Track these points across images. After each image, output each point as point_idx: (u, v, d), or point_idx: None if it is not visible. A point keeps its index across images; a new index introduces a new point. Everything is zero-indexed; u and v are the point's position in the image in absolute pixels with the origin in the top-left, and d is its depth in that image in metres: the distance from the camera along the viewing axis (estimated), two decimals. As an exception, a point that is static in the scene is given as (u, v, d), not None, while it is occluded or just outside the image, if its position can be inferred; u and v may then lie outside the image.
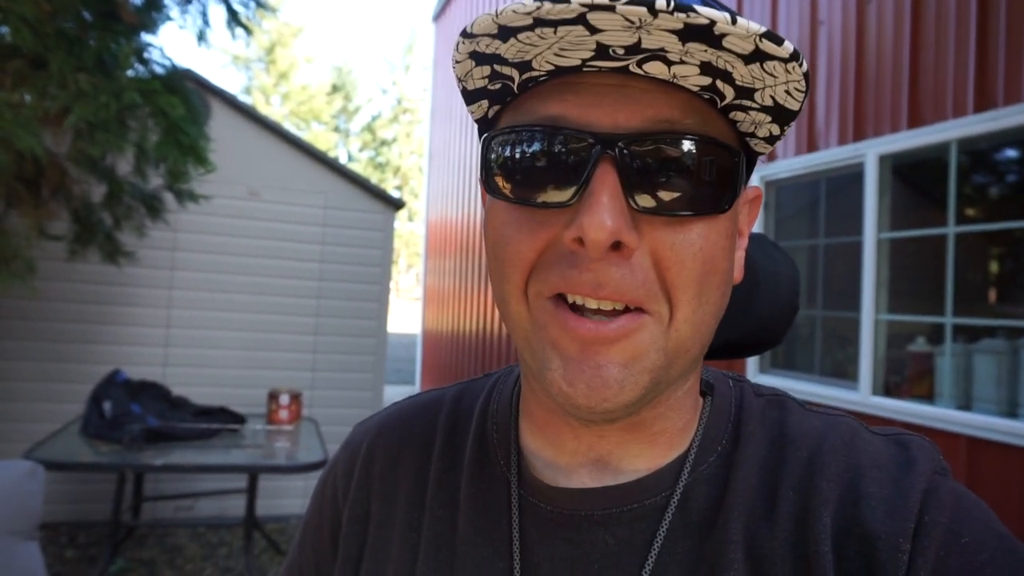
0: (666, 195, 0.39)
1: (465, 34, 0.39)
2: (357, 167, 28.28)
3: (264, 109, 24.93)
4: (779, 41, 0.35)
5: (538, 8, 0.35)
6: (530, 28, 0.37)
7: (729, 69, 0.38)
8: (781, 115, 0.41)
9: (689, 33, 0.35)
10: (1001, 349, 2.70)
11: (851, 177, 3.26)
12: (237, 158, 4.25)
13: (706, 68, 0.38)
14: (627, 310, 0.40)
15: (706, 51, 0.36)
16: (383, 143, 29.34)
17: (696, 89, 0.39)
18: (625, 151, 0.38)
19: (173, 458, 2.81)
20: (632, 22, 0.35)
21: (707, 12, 0.34)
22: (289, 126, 25.50)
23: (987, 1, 2.70)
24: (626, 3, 0.34)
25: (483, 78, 0.43)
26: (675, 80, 0.39)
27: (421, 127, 27.55)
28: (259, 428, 3.43)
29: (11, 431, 3.87)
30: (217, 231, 4.28)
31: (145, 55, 2.94)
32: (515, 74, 0.41)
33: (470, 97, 0.45)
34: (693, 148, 0.39)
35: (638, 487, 0.47)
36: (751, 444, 0.47)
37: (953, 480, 0.44)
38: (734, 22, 0.34)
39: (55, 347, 3.97)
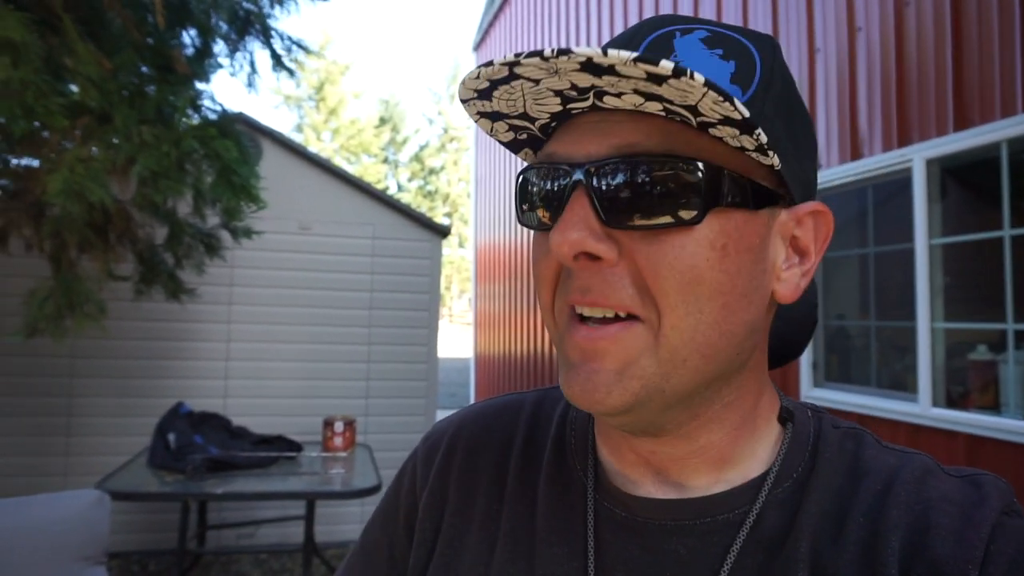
0: (634, 211, 0.42)
1: (461, 101, 0.46)
2: (407, 197, 28.84)
3: (315, 145, 25.77)
4: (654, 62, 0.37)
5: (479, 74, 0.42)
6: (492, 89, 0.43)
7: (653, 91, 0.40)
8: (741, 126, 0.41)
9: (590, 68, 0.39)
10: (1069, 354, 2.58)
11: (899, 183, 3.19)
12: (288, 194, 4.42)
13: (645, 95, 0.40)
14: (618, 318, 0.43)
15: (619, 80, 0.39)
16: (431, 172, 29.88)
17: (663, 114, 0.42)
18: (592, 175, 0.43)
19: (234, 486, 2.91)
20: (546, 68, 0.40)
21: (581, 50, 0.37)
22: (340, 161, 26.26)
23: (1031, -4, 2.62)
24: (525, 56, 0.39)
25: (507, 131, 0.49)
26: (641, 108, 0.42)
27: (468, 154, 27.98)
28: (315, 455, 3.52)
29: (87, 464, 4.07)
30: (271, 265, 4.45)
31: (198, 103, 3.12)
32: (528, 125, 0.47)
33: (513, 148, 0.51)
34: (651, 167, 0.42)
35: (711, 502, 0.49)
36: (826, 472, 0.49)
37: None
38: (605, 53, 0.37)
39: (124, 383, 4.18)
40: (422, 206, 28.75)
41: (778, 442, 0.52)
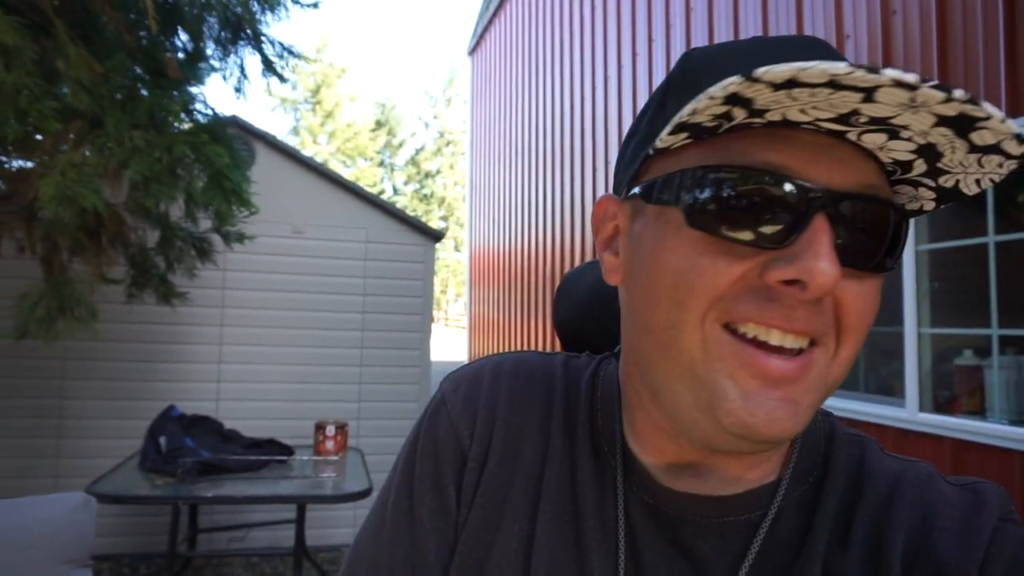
0: (860, 251, 0.43)
1: (751, 78, 0.36)
2: (403, 200, 28.87)
3: (311, 148, 25.77)
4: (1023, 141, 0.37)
5: (849, 74, 0.34)
6: (813, 87, 0.36)
7: (946, 153, 0.40)
8: (949, 197, 0.44)
9: (950, 121, 0.37)
10: (1053, 360, 2.60)
11: (886, 189, 3.21)
12: (281, 198, 4.43)
13: (923, 149, 0.40)
14: (801, 350, 0.43)
15: (946, 136, 0.38)
16: (427, 175, 29.92)
17: (888, 161, 0.43)
18: (839, 208, 0.41)
19: (224, 490, 2.92)
20: (911, 103, 0.35)
21: (988, 108, 0.35)
22: (336, 164, 26.26)
23: (1015, 7, 2.65)
24: (931, 86, 0.34)
25: (709, 115, 0.40)
26: (878, 151, 0.42)
27: (463, 158, 28.00)
28: (306, 459, 3.52)
29: (79, 466, 4.07)
30: (264, 269, 4.46)
31: (191, 107, 3.13)
32: (740, 116, 0.40)
33: (682, 128, 0.42)
34: (888, 214, 0.43)
35: (735, 502, 0.49)
36: (838, 475, 0.51)
37: (1022, 527, 0.47)
38: (1003, 121, 0.36)
39: (116, 385, 4.18)
40: (418, 210, 28.77)
41: (792, 443, 0.53)
